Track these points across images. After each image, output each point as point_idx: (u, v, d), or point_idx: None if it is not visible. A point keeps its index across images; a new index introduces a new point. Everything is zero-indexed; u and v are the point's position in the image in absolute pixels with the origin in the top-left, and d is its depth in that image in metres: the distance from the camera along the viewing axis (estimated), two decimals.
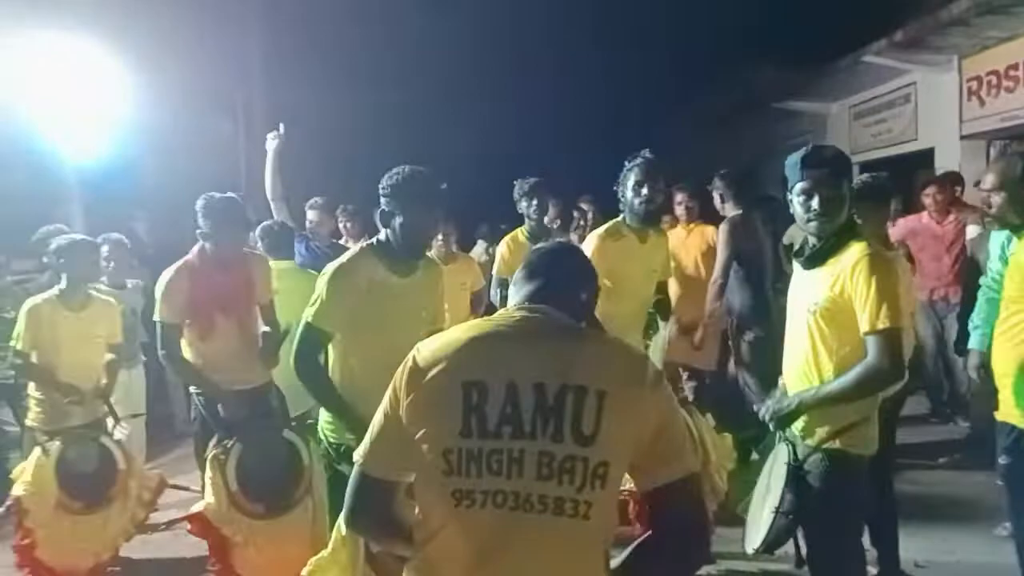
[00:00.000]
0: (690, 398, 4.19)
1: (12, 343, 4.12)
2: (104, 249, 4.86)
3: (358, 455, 1.59)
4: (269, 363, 3.77)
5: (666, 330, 5.14)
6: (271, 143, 4.82)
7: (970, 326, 4.02)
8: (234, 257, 3.74)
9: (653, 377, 1.49)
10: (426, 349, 1.53)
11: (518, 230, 4.67)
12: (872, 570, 3.50)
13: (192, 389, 3.85)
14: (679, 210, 5.62)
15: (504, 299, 4.59)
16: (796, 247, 2.66)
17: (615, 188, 3.62)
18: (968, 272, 5.15)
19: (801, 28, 10.27)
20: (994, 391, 3.79)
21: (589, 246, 3.64)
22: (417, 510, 1.52)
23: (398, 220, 2.71)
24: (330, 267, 2.81)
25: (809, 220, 2.47)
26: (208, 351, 3.69)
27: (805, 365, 2.53)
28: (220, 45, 9.16)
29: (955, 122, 7.99)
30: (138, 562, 4.28)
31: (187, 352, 3.69)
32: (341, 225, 5.64)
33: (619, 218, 3.68)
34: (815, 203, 2.44)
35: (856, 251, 2.41)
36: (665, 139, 11.93)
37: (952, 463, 5.08)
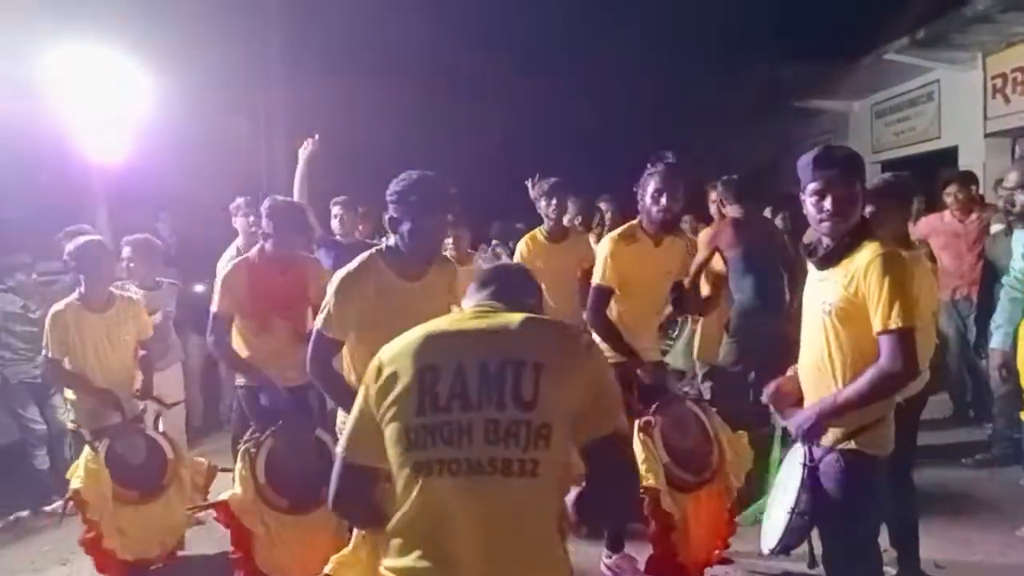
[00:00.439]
0: (706, 396, 4.20)
1: (43, 349, 4.19)
2: (126, 251, 4.93)
3: (340, 447, 1.75)
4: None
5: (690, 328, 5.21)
6: (303, 151, 4.89)
7: (992, 326, 4.00)
8: (291, 259, 3.82)
9: (585, 348, 1.68)
10: (389, 349, 1.71)
11: (537, 230, 4.68)
12: (891, 570, 3.49)
13: (236, 383, 3.93)
14: (713, 208, 5.62)
15: None
16: (811, 247, 2.66)
17: (635, 188, 3.61)
18: (984, 271, 5.10)
19: (822, 26, 10.21)
20: (1018, 391, 3.77)
21: (603, 248, 3.65)
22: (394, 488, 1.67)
23: (406, 226, 2.71)
24: (338, 274, 2.83)
25: (821, 220, 2.47)
26: (259, 346, 3.77)
27: (820, 365, 2.52)
28: (240, 48, 9.27)
29: (979, 120, 7.91)
30: None
31: (239, 345, 3.79)
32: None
33: (635, 220, 3.69)
34: (827, 203, 2.43)
35: (870, 251, 2.40)
36: (686, 138, 11.87)
37: (975, 464, 5.03)
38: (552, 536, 1.62)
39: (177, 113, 7.25)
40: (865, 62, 8.67)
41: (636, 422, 3.50)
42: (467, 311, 1.79)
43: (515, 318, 1.71)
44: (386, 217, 2.79)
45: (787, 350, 2.83)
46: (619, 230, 3.74)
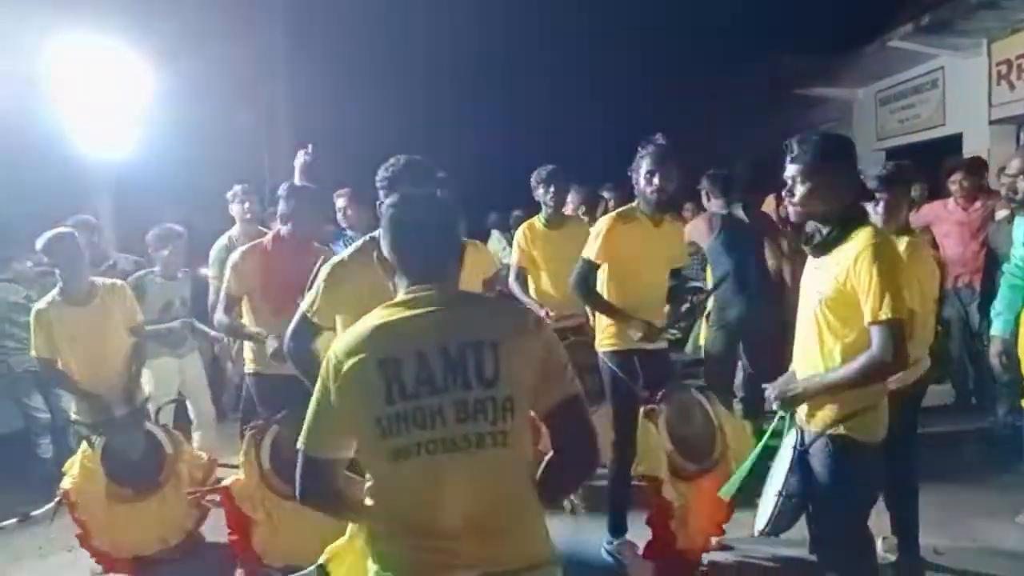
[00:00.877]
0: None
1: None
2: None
3: (300, 442, 1.79)
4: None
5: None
6: (299, 160, 4.91)
7: (992, 313, 3.98)
8: (307, 244, 3.82)
9: (534, 324, 1.78)
10: (341, 344, 1.75)
11: (535, 217, 4.69)
12: (891, 556, 3.51)
13: (245, 370, 3.96)
14: (704, 198, 5.64)
15: (524, 285, 4.67)
16: (809, 235, 2.66)
17: (629, 173, 3.62)
18: (987, 259, 5.09)
19: (826, 13, 10.14)
20: (1018, 378, 3.77)
21: (598, 226, 3.66)
22: (367, 476, 1.76)
23: None
24: (332, 261, 2.85)
25: (790, 207, 2.51)
26: (274, 330, 3.69)
27: (812, 354, 2.53)
28: (245, 41, 9.28)
29: (984, 107, 7.86)
30: None
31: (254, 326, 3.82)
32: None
33: (633, 203, 3.70)
34: (795, 191, 2.46)
35: (860, 240, 2.39)
36: (688, 127, 11.83)
37: (976, 451, 5.04)
38: (529, 495, 1.74)
39: (180, 105, 7.27)
40: (869, 49, 8.61)
41: (641, 409, 3.52)
42: (405, 295, 1.79)
43: (462, 298, 1.83)
44: (378, 204, 2.79)
45: (771, 342, 2.84)
46: (617, 210, 3.78)
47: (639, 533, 3.75)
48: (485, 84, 12.87)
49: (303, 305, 2.82)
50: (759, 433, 3.71)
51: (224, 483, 3.57)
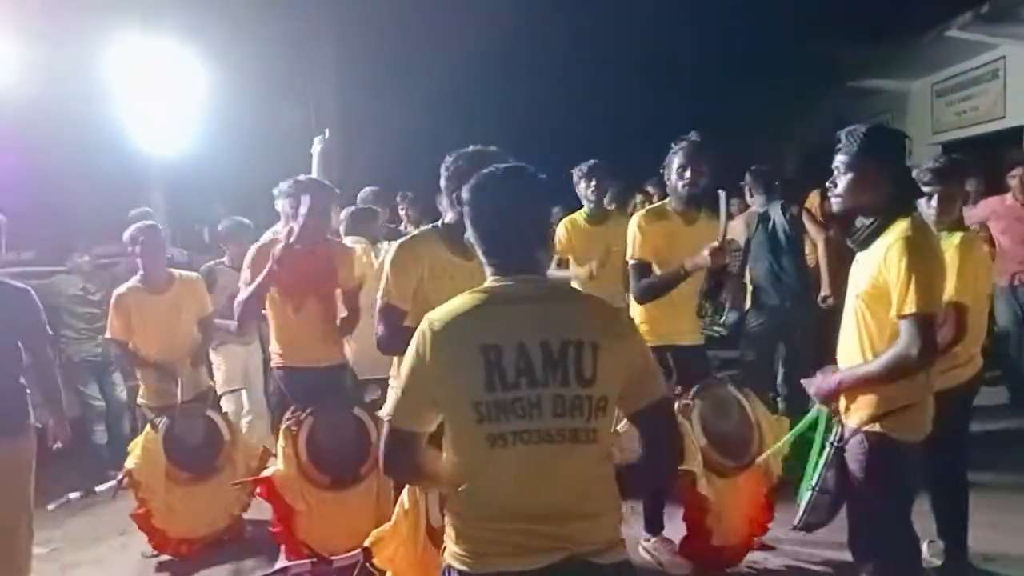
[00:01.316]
0: None
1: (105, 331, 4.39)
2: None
3: (387, 413, 1.83)
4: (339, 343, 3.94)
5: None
6: (316, 146, 4.97)
7: None
8: (318, 242, 3.85)
9: (630, 327, 1.86)
10: (439, 320, 1.76)
11: (576, 213, 4.67)
12: (936, 561, 3.42)
13: (272, 364, 4.01)
14: (747, 193, 5.58)
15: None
16: (855, 230, 2.62)
17: (661, 170, 3.60)
18: None
19: (881, 1, 9.86)
20: None
21: (631, 226, 3.64)
22: (451, 456, 1.78)
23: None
24: (395, 245, 2.92)
25: (834, 198, 2.53)
26: (293, 326, 3.83)
27: (852, 348, 2.51)
28: (294, 42, 9.45)
29: None
30: None
31: (275, 326, 3.87)
32: (401, 211, 5.76)
33: (666, 200, 3.68)
34: (839, 182, 2.48)
35: (895, 231, 2.37)
36: (739, 119, 11.67)
37: None
38: (612, 485, 1.80)
39: (230, 102, 7.44)
40: (926, 39, 8.35)
41: (675, 404, 3.49)
42: (504, 284, 1.79)
43: (560, 294, 1.86)
44: (441, 195, 2.80)
45: (809, 341, 2.82)
46: (649, 208, 3.75)
47: (675, 530, 3.72)
48: (532, 76, 12.84)
49: (378, 296, 2.87)
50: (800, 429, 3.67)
51: (265, 474, 3.65)
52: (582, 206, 4.69)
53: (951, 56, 8.74)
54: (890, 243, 2.35)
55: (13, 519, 3.25)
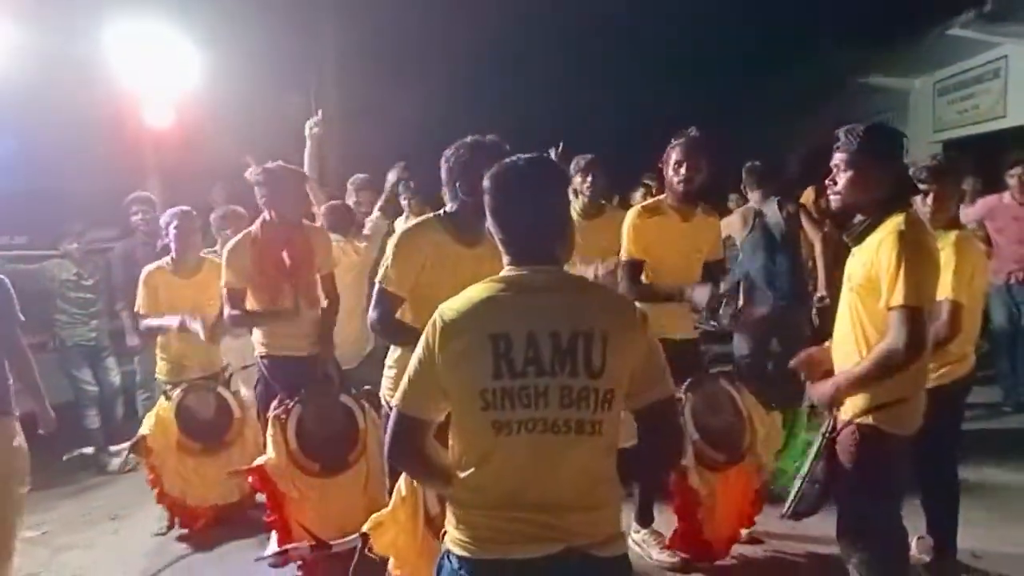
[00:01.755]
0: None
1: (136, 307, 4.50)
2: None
3: (396, 399, 1.83)
4: (325, 333, 3.92)
5: None
6: (312, 130, 4.95)
7: None
8: (294, 227, 3.85)
9: (640, 320, 1.81)
10: (450, 309, 1.76)
11: (570, 207, 4.66)
12: (925, 558, 3.43)
13: (256, 353, 4.00)
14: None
15: None
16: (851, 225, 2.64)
17: (659, 165, 3.58)
18: None
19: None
20: None
21: (626, 221, 3.63)
22: (456, 443, 1.79)
23: (463, 183, 2.73)
24: (399, 230, 2.92)
25: (832, 195, 2.55)
26: (277, 314, 3.80)
27: (848, 342, 2.53)
28: (295, 28, 9.38)
29: None
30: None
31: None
32: (403, 202, 5.73)
33: (663, 195, 3.67)
34: (838, 179, 2.51)
35: (888, 226, 2.39)
36: (740, 117, 11.62)
37: (1022, 453, 4.86)
38: (614, 477, 1.80)
39: (229, 88, 7.39)
40: (928, 37, 8.34)
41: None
42: (518, 273, 1.78)
43: (574, 285, 1.83)
44: (445, 184, 2.80)
45: (801, 338, 2.84)
46: (645, 202, 3.74)
47: (666, 523, 3.73)
48: (530, 66, 12.78)
49: (377, 279, 2.86)
50: (789, 425, 3.67)
51: (257, 463, 3.65)
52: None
53: (953, 55, 8.73)
54: (883, 237, 2.38)
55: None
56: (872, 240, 2.43)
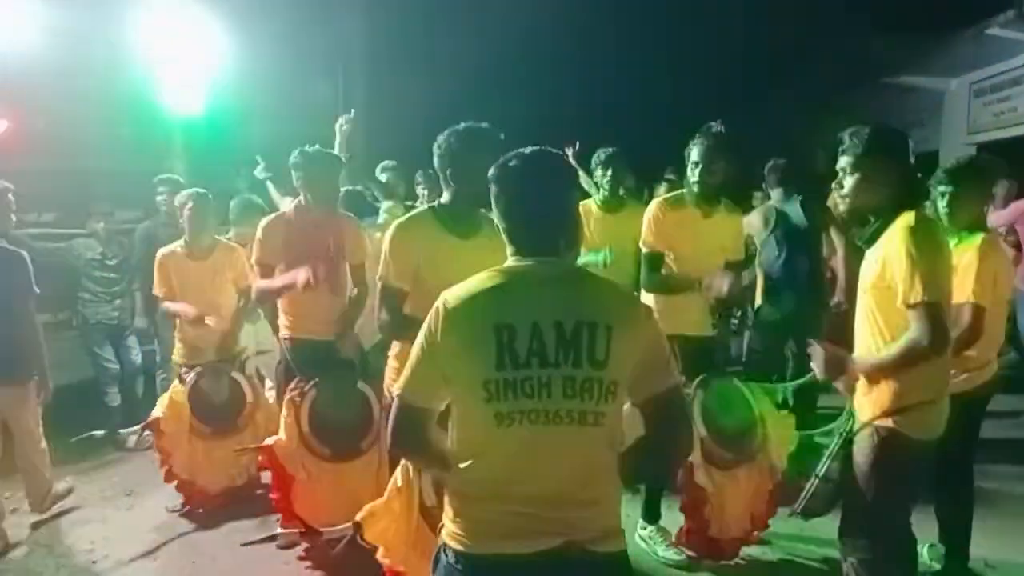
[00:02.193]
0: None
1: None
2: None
3: (398, 387, 1.82)
4: (351, 321, 3.94)
5: None
6: (342, 128, 4.96)
7: None
8: (327, 213, 3.88)
9: (645, 312, 1.80)
10: (454, 297, 1.75)
11: (590, 200, 4.61)
12: (936, 565, 3.38)
13: (281, 335, 4.03)
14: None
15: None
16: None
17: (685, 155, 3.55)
18: None
19: None
20: None
21: (647, 213, 3.60)
22: (456, 433, 1.78)
23: (454, 171, 2.71)
24: (392, 226, 2.89)
25: (839, 199, 2.54)
26: (301, 299, 3.80)
27: (865, 341, 2.52)
28: (324, 15, 9.41)
29: None
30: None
31: (283, 297, 3.88)
32: (419, 189, 5.74)
33: (685, 190, 3.63)
34: (845, 182, 2.50)
35: (899, 224, 2.37)
36: (770, 116, 11.46)
37: None
38: (614, 472, 1.78)
39: (257, 74, 7.43)
40: (964, 37, 8.15)
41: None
42: (523, 264, 1.78)
43: (578, 275, 1.82)
44: (440, 175, 2.78)
45: (814, 336, 2.80)
46: (666, 195, 3.71)
47: (673, 521, 3.71)
48: (557, 56, 12.72)
49: (378, 276, 2.86)
50: (802, 427, 3.63)
51: (267, 442, 3.69)
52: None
53: (991, 55, 8.53)
54: (893, 235, 2.36)
55: (32, 424, 4.00)
56: (884, 239, 2.41)
